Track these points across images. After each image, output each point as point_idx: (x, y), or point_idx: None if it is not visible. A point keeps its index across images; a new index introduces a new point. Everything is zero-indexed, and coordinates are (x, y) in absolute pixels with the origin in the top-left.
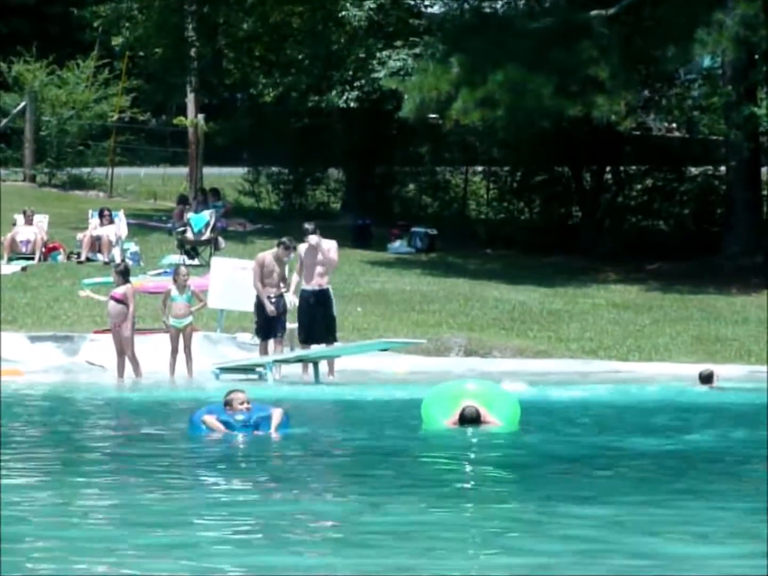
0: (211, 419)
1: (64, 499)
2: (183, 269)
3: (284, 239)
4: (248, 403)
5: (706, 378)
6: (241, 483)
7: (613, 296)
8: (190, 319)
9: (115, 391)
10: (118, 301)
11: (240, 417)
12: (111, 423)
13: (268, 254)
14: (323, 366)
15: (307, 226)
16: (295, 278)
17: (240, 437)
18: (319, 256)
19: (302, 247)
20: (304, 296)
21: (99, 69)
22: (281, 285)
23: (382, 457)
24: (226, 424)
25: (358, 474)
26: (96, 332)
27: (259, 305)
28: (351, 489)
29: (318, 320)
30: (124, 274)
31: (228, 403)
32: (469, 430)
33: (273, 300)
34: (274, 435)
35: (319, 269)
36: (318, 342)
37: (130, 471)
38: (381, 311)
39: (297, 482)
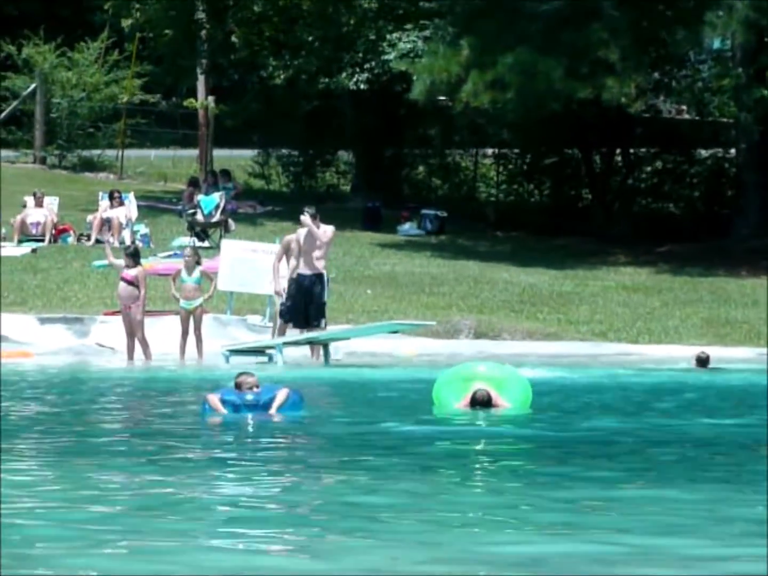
0: (214, 399)
1: (72, 481)
2: (188, 250)
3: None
4: (257, 387)
5: (704, 361)
6: (244, 464)
7: (623, 279)
8: (199, 300)
9: (125, 372)
10: (129, 283)
11: (249, 397)
12: (120, 405)
13: (294, 237)
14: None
15: (306, 208)
16: (276, 264)
17: (246, 418)
18: (316, 241)
19: (301, 231)
20: (299, 280)
21: (109, 51)
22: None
23: (390, 440)
24: (234, 405)
25: (363, 456)
26: (106, 314)
27: (289, 285)
28: (354, 470)
29: (308, 305)
30: (135, 257)
31: (237, 386)
32: (480, 413)
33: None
34: (275, 416)
35: (315, 253)
36: (305, 326)
37: (139, 453)
38: (391, 293)
39: (301, 464)
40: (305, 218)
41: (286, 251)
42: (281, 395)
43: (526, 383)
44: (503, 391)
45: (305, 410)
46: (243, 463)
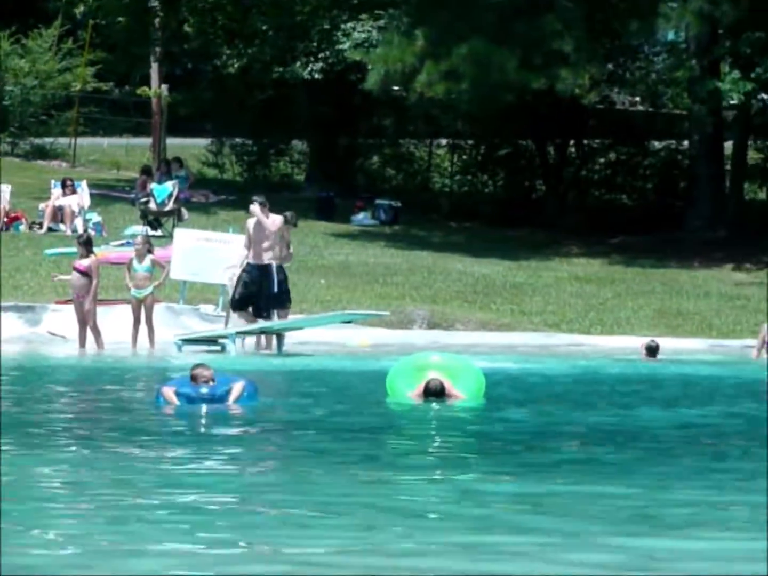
0: (168, 392)
1: (21, 471)
2: (139, 238)
3: (287, 213)
4: (213, 380)
5: (653, 350)
6: (196, 455)
7: (576, 270)
8: (149, 289)
9: (77, 361)
10: (81, 272)
11: (204, 390)
12: (71, 394)
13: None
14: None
15: (255, 197)
16: (243, 252)
17: (200, 410)
18: (265, 231)
19: (250, 222)
20: (247, 270)
21: (63, 39)
22: (284, 257)
23: (344, 430)
24: (189, 397)
25: (317, 447)
26: (58, 302)
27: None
28: (307, 462)
29: (257, 295)
30: (87, 245)
31: (193, 378)
32: (433, 403)
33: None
34: (232, 407)
35: (264, 244)
36: (257, 316)
37: (90, 443)
38: (344, 283)
39: (255, 455)
40: (254, 207)
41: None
42: (237, 388)
43: (479, 374)
44: (457, 382)
45: (258, 400)
46: (195, 454)
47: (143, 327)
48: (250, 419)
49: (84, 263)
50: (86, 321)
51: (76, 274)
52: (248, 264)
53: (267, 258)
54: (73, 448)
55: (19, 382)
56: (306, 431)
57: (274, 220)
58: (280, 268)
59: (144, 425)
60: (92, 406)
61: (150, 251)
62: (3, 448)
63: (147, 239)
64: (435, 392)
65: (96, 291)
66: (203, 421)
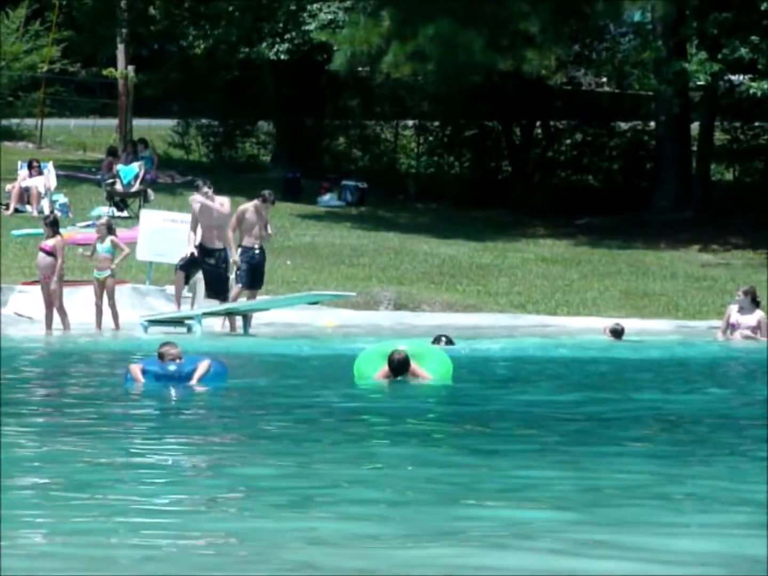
0: (135, 369)
1: None
2: (102, 219)
3: (264, 192)
4: (180, 358)
5: (618, 333)
6: (161, 437)
7: (542, 251)
8: (108, 271)
9: (43, 342)
10: (47, 253)
11: (171, 368)
12: (38, 375)
13: (250, 206)
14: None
15: (199, 181)
16: (230, 234)
17: (166, 388)
18: (213, 213)
19: (196, 206)
20: (200, 253)
21: (30, 20)
22: (263, 237)
23: (309, 412)
24: (156, 375)
25: (285, 430)
26: (24, 284)
27: (244, 252)
28: (276, 446)
29: (212, 277)
30: (54, 226)
31: (160, 356)
32: (398, 384)
33: (257, 252)
34: (195, 386)
35: (213, 228)
36: (214, 298)
37: (59, 425)
38: (311, 264)
39: (218, 436)
40: (193, 197)
41: (240, 222)
42: (202, 366)
43: (446, 358)
44: (424, 365)
45: (226, 381)
46: (157, 434)
47: (108, 308)
48: (210, 399)
49: (49, 243)
50: (53, 302)
51: (41, 255)
52: (201, 245)
53: (218, 242)
54: (37, 430)
55: None
56: (271, 412)
57: (222, 203)
58: (261, 249)
59: (108, 409)
60: (57, 388)
61: (111, 232)
62: None
63: (108, 220)
64: (399, 364)
65: (61, 271)
66: (169, 403)
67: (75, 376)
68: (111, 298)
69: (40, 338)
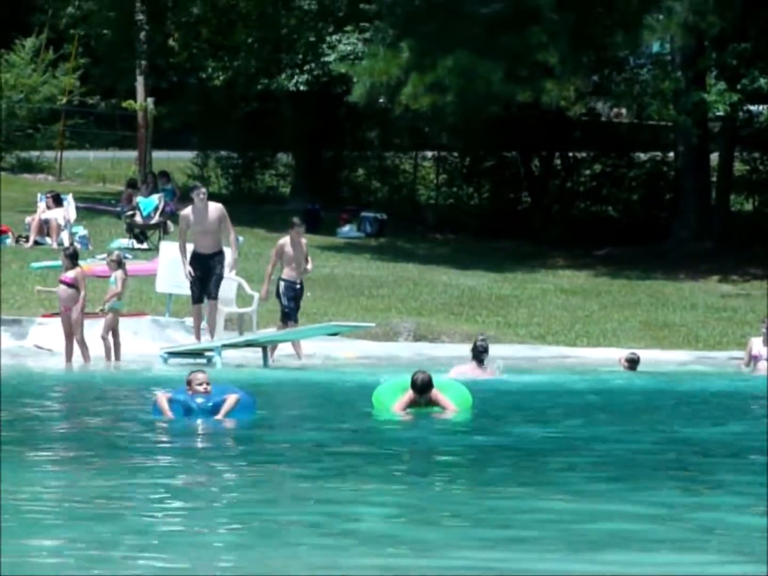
0: (162, 400)
1: (12, 485)
2: (112, 254)
3: (294, 219)
4: (208, 384)
5: (634, 363)
6: (189, 468)
7: (561, 282)
8: (109, 304)
9: (64, 374)
10: (68, 285)
11: (200, 400)
12: (61, 407)
13: (287, 239)
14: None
15: (195, 183)
16: (269, 270)
17: (196, 422)
18: (207, 220)
19: (188, 212)
20: (195, 259)
21: (46, 50)
22: (303, 269)
23: (332, 442)
24: (184, 406)
25: (308, 461)
26: (44, 316)
27: (285, 289)
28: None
29: (207, 280)
30: (73, 258)
31: (188, 383)
32: (417, 416)
33: (298, 286)
34: (223, 420)
35: (207, 235)
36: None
37: (82, 457)
38: (330, 296)
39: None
40: (196, 202)
41: (280, 255)
42: (230, 401)
43: (465, 391)
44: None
45: (255, 414)
46: (182, 466)
47: (124, 339)
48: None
49: (70, 275)
50: (73, 334)
51: (62, 287)
52: (196, 253)
53: (212, 248)
54: (56, 466)
55: (6, 396)
56: (301, 445)
57: (216, 206)
58: (301, 284)
59: (131, 439)
60: (78, 420)
61: (120, 266)
62: None
63: (118, 255)
64: (423, 383)
65: (83, 303)
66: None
67: (95, 407)
68: (107, 329)
69: (60, 370)
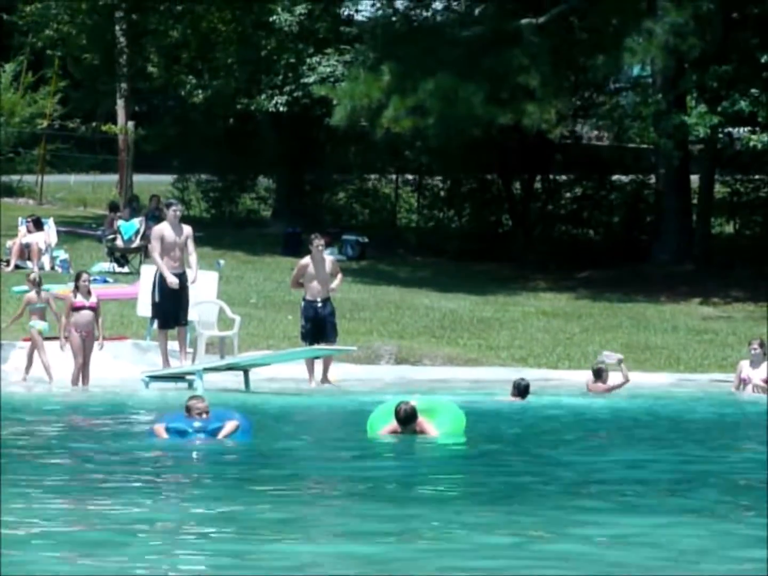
0: (159, 429)
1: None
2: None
3: (312, 236)
4: (207, 413)
5: (599, 373)
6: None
7: (542, 304)
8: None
9: (72, 398)
10: (91, 309)
11: (197, 424)
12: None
13: (308, 258)
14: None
15: (170, 200)
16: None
17: (191, 443)
18: (178, 239)
19: (162, 229)
20: (169, 280)
21: (26, 73)
22: (329, 288)
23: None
24: (182, 431)
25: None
26: (25, 340)
27: (304, 309)
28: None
29: (177, 303)
30: (37, 285)
31: (187, 409)
32: (404, 440)
33: (319, 305)
34: (222, 440)
35: (177, 252)
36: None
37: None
38: None
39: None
40: (170, 211)
41: (303, 275)
42: (229, 427)
43: (459, 413)
44: (436, 420)
45: (251, 438)
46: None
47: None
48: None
49: (93, 300)
50: (86, 358)
51: (85, 311)
52: (173, 273)
53: (180, 267)
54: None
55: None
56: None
57: (186, 227)
58: (324, 302)
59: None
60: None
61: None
62: None
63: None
64: (406, 414)
65: (102, 327)
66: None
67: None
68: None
69: (64, 393)
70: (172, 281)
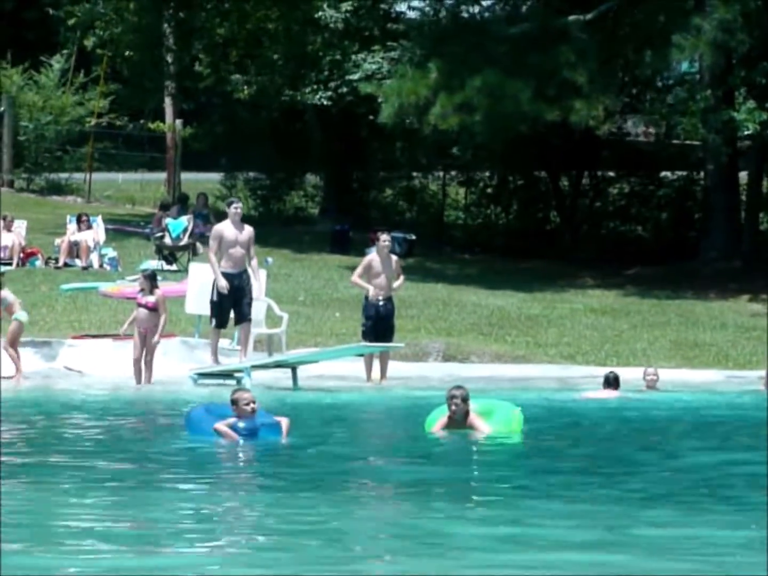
0: (223, 427)
1: (51, 507)
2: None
3: (379, 232)
4: (254, 402)
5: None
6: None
7: (591, 301)
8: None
9: (133, 395)
10: (151, 308)
11: (242, 424)
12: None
13: (374, 255)
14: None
15: (231, 198)
16: (355, 280)
17: (247, 445)
18: (240, 237)
19: (223, 227)
20: (227, 278)
21: (75, 72)
22: (392, 287)
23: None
24: (252, 431)
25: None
26: (74, 337)
27: (366, 307)
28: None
29: (235, 302)
30: (153, 279)
31: (234, 402)
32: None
33: (381, 302)
34: (285, 442)
35: (238, 251)
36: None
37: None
38: (359, 316)
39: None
40: (233, 210)
41: (368, 270)
42: (285, 424)
43: (516, 413)
44: (492, 419)
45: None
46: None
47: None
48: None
49: (152, 299)
50: (147, 356)
51: (143, 311)
52: (224, 272)
53: (240, 266)
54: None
55: (41, 417)
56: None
57: (249, 228)
58: (385, 301)
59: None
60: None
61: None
62: (20, 483)
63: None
64: (458, 404)
65: (164, 326)
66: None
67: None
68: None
69: (128, 392)
70: (223, 285)
